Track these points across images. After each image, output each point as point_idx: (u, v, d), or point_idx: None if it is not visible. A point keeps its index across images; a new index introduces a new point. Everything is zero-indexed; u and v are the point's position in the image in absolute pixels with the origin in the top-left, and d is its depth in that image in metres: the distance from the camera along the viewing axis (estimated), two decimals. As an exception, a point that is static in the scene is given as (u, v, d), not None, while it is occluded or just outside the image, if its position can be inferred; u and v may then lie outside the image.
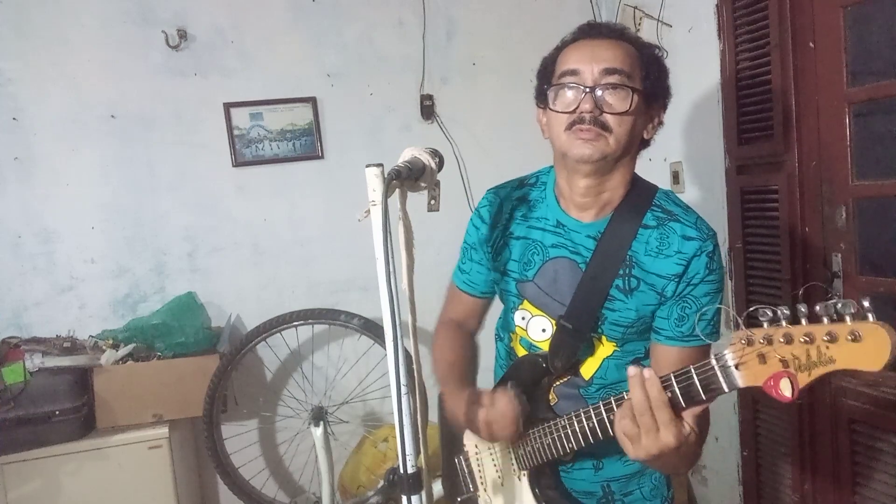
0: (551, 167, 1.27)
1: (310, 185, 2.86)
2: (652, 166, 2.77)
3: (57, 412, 2.31)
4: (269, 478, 2.90)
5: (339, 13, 2.84)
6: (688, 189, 2.56)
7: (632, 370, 0.92)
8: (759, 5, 2.05)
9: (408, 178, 1.01)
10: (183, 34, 2.69)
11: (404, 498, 0.98)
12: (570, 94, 1.11)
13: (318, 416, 2.44)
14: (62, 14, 2.60)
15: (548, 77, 1.18)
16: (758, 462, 2.27)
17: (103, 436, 2.40)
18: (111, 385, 2.41)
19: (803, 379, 0.75)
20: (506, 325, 1.34)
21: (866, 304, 0.71)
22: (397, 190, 1.01)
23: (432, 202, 1.11)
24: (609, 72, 1.09)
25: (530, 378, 1.23)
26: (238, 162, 2.78)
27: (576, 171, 1.15)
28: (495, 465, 1.32)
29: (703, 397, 0.87)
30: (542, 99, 1.19)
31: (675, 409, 0.90)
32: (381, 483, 2.59)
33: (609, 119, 1.09)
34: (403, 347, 0.97)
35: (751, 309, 0.81)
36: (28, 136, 2.60)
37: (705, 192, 2.43)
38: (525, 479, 1.25)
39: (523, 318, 1.27)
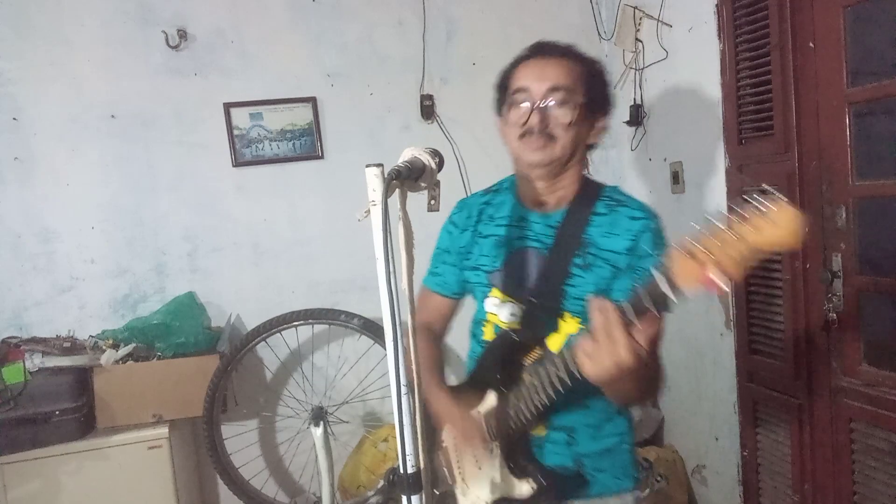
0: (512, 175, 1.44)
1: (310, 185, 2.86)
2: (652, 166, 2.78)
3: (57, 412, 2.31)
4: (269, 478, 2.90)
5: (339, 13, 2.84)
6: (688, 189, 2.55)
7: (592, 297, 1.04)
8: (759, 5, 2.05)
9: (408, 178, 1.02)
10: (183, 34, 2.69)
11: (404, 498, 0.98)
12: (521, 109, 1.28)
13: (318, 416, 2.44)
14: (62, 14, 2.60)
15: (504, 91, 1.35)
16: (758, 462, 2.27)
17: (103, 436, 2.40)
18: (111, 385, 2.41)
19: (732, 269, 0.85)
20: (479, 319, 1.44)
21: (776, 193, 0.81)
22: (397, 190, 1.01)
23: (432, 202, 1.11)
24: (554, 89, 1.26)
25: (504, 355, 1.33)
26: (238, 162, 2.78)
27: (530, 174, 1.33)
28: (472, 451, 1.38)
29: (652, 309, 0.96)
30: (500, 109, 1.36)
31: (629, 330, 0.99)
32: (381, 483, 2.60)
33: (555, 130, 1.27)
34: (403, 347, 0.97)
35: (691, 222, 0.91)
36: (28, 136, 2.60)
37: (705, 192, 2.43)
38: (498, 452, 1.32)
39: (494, 305, 1.38)
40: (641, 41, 2.74)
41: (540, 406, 1.21)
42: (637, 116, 2.80)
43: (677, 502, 2.66)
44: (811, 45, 1.92)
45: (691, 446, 2.74)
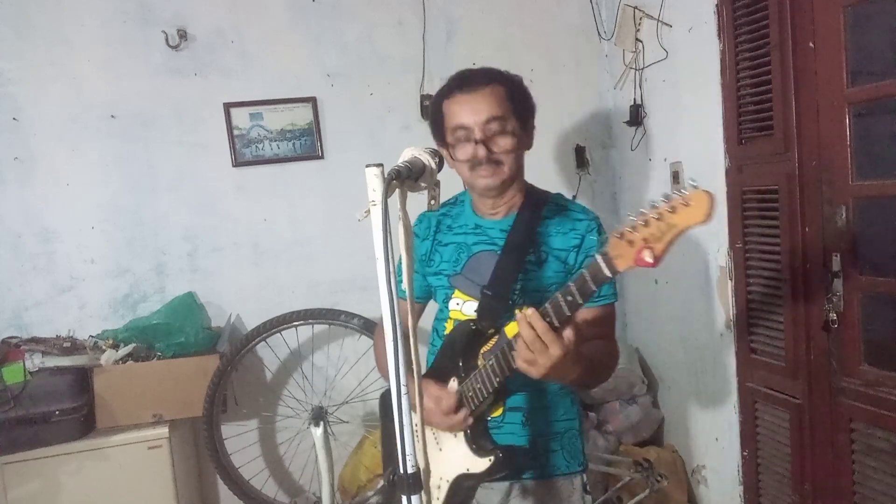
0: (467, 191, 1.56)
1: (310, 185, 2.86)
2: (652, 166, 2.78)
3: (57, 412, 2.31)
4: (269, 478, 2.90)
5: (339, 13, 2.84)
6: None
7: (518, 314, 1.16)
8: (759, 5, 2.05)
9: (408, 178, 1.02)
10: (183, 34, 2.69)
11: (404, 498, 0.98)
12: (467, 147, 1.40)
13: (318, 416, 2.44)
14: (62, 14, 2.60)
15: (439, 125, 1.47)
16: (758, 462, 2.27)
17: (103, 436, 2.40)
18: (111, 385, 2.41)
19: (659, 247, 0.98)
20: (442, 318, 1.55)
21: (694, 182, 0.94)
22: (397, 190, 1.01)
23: (432, 202, 1.12)
24: (490, 120, 1.39)
25: (463, 343, 1.43)
26: (238, 162, 2.78)
27: (483, 195, 1.48)
28: (433, 433, 1.48)
29: (594, 288, 1.10)
30: (439, 140, 1.48)
31: (573, 309, 1.13)
32: (381, 483, 2.60)
33: (500, 156, 1.41)
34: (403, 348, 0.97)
35: (626, 213, 1.05)
36: (28, 136, 2.60)
37: (705, 192, 2.43)
38: (460, 434, 1.41)
39: (457, 304, 1.50)
40: (641, 41, 2.74)
41: (497, 386, 1.32)
42: (637, 116, 2.80)
43: (677, 502, 2.66)
44: (811, 45, 1.92)
45: (691, 446, 2.74)
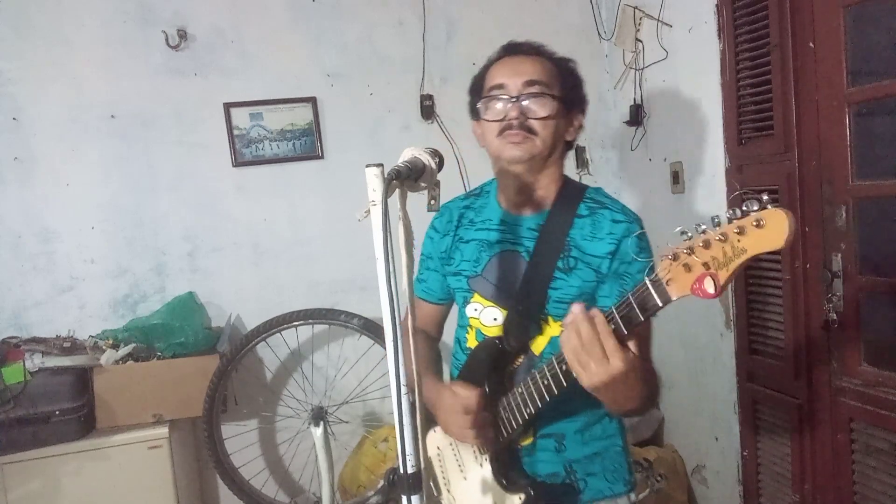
0: (493, 179, 1.42)
1: (310, 185, 2.86)
2: (652, 166, 2.78)
3: (57, 412, 2.31)
4: (269, 478, 2.90)
5: (339, 13, 2.84)
6: (688, 189, 2.56)
7: (576, 307, 1.00)
8: (759, 5, 2.05)
9: (408, 178, 1.02)
10: (183, 34, 2.69)
11: (404, 498, 0.98)
12: (498, 104, 1.28)
13: (318, 416, 2.44)
14: (62, 14, 2.60)
15: (479, 93, 1.34)
16: (758, 462, 2.27)
17: (103, 436, 2.40)
18: (111, 385, 2.41)
19: (723, 275, 0.83)
20: (462, 324, 1.42)
21: (765, 197, 0.80)
22: (397, 190, 1.01)
23: (432, 202, 1.11)
24: (530, 83, 1.26)
25: (488, 362, 1.31)
26: (238, 162, 2.78)
27: (510, 172, 1.30)
28: (457, 460, 1.37)
29: (641, 318, 0.96)
30: (475, 113, 1.35)
31: (619, 338, 0.98)
32: (381, 483, 2.60)
33: (534, 123, 1.25)
34: (403, 347, 0.97)
35: (677, 229, 0.88)
36: (28, 136, 2.60)
37: (705, 192, 2.43)
38: (486, 465, 1.30)
39: (475, 310, 1.37)
40: (641, 41, 2.74)
41: (528, 415, 1.20)
42: (637, 116, 2.80)
43: (677, 502, 2.66)
44: (811, 45, 1.92)
45: (691, 446, 2.74)
